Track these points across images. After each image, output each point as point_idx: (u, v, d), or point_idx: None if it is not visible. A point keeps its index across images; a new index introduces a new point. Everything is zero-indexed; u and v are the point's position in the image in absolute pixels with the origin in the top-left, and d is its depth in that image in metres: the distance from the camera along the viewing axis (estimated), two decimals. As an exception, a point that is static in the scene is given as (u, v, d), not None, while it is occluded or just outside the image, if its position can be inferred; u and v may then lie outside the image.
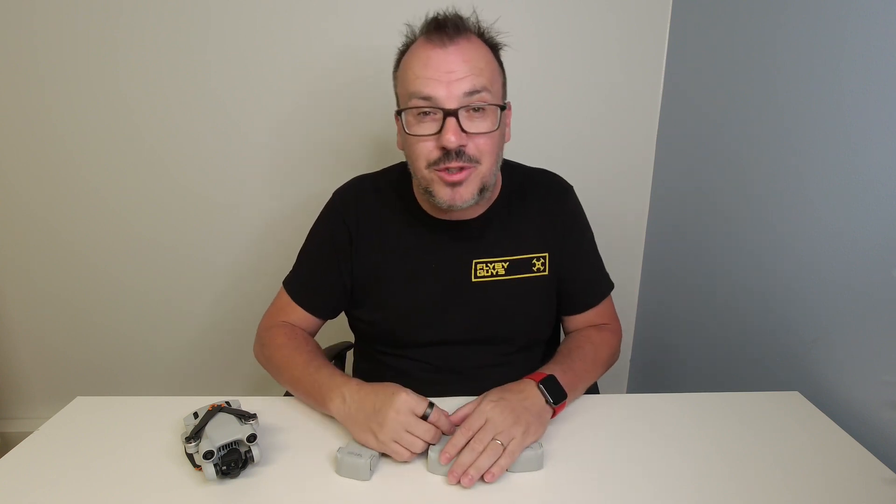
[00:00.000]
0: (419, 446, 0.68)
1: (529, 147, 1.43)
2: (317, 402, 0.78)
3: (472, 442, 0.66)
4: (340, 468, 0.67)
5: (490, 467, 0.65)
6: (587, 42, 1.37)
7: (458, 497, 0.64)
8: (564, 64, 1.38)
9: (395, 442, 0.67)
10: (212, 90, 1.38)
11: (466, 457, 0.65)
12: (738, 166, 1.12)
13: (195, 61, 1.36)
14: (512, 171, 0.94)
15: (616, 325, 0.98)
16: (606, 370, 0.91)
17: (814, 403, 0.83)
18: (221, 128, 1.42)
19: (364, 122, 1.41)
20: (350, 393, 0.73)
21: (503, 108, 0.79)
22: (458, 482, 0.64)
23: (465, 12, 0.80)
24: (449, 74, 0.73)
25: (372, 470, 0.67)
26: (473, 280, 0.87)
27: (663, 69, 1.39)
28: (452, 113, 0.73)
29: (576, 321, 0.96)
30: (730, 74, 1.14)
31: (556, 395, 0.74)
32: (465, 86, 0.73)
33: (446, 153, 0.75)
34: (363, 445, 0.69)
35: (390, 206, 0.89)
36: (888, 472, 0.68)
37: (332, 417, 0.76)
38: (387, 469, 0.68)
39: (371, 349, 0.95)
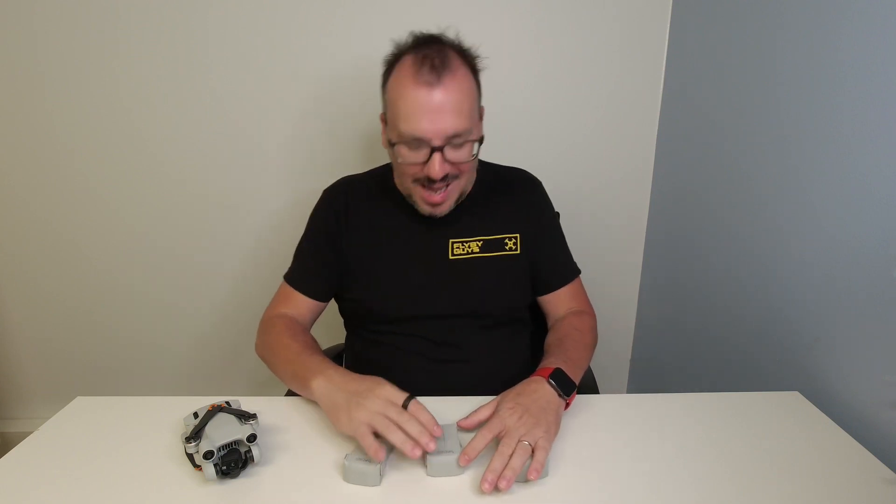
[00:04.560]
0: (395, 432, 0.66)
1: (527, 154, 1.42)
2: (301, 382, 0.80)
3: (500, 447, 0.67)
4: (348, 475, 0.66)
5: (530, 468, 0.65)
6: (587, 44, 1.37)
7: (460, 500, 0.64)
8: (564, 66, 1.38)
9: (368, 425, 0.67)
10: (212, 92, 1.38)
11: (497, 462, 0.65)
12: (737, 167, 1.12)
13: (195, 63, 1.36)
14: (485, 168, 1.01)
15: (591, 309, 1.03)
16: (593, 352, 0.96)
17: (814, 403, 0.83)
18: (221, 129, 1.42)
19: (363, 125, 1.41)
20: (336, 375, 0.76)
21: (481, 141, 0.86)
22: (495, 488, 0.63)
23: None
24: (436, 115, 0.79)
25: (382, 475, 0.66)
26: (451, 258, 0.94)
27: (663, 71, 1.39)
28: (438, 149, 0.81)
29: (553, 303, 1.01)
30: (730, 76, 1.14)
31: (567, 388, 0.77)
32: (450, 127, 0.80)
33: (431, 178, 0.83)
34: (335, 425, 0.71)
35: (375, 197, 0.98)
36: (888, 472, 0.68)
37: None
38: (390, 471, 0.68)
39: (362, 328, 1.00)
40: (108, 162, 1.44)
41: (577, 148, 1.45)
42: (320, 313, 1.01)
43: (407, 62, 0.81)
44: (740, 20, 1.10)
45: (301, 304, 0.97)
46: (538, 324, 1.05)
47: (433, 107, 0.79)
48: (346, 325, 1.06)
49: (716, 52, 1.19)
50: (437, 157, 0.80)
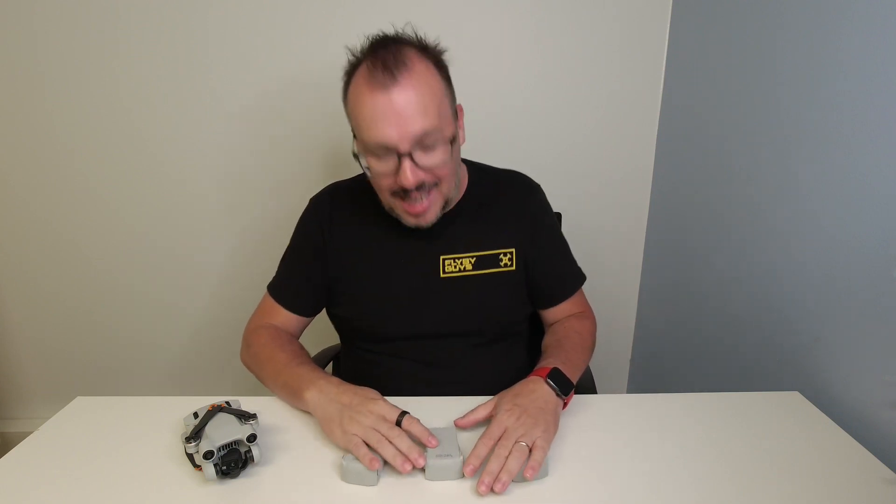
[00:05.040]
0: (386, 447, 0.66)
1: (527, 154, 1.43)
2: (293, 393, 0.79)
3: (497, 448, 0.66)
4: (346, 475, 0.66)
5: (527, 466, 0.65)
6: (587, 44, 1.37)
7: (458, 500, 0.64)
8: (564, 66, 1.38)
9: (360, 438, 0.67)
10: (212, 92, 1.39)
11: (494, 464, 0.65)
12: (737, 167, 1.12)
13: (195, 63, 1.36)
14: (480, 172, 0.96)
15: (591, 313, 1.00)
16: (592, 354, 0.95)
17: (814, 403, 0.83)
18: (221, 129, 1.42)
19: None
20: (328, 386, 0.76)
21: (453, 141, 0.80)
22: (490, 490, 0.63)
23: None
24: (398, 118, 0.73)
25: (379, 476, 0.66)
26: (442, 276, 0.89)
27: (663, 71, 1.39)
28: (407, 155, 0.75)
29: (554, 313, 0.98)
30: (729, 76, 1.14)
31: (565, 387, 0.76)
32: (416, 129, 0.74)
33: (405, 188, 0.77)
34: (329, 437, 0.71)
35: (362, 207, 0.92)
36: (888, 472, 0.68)
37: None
38: (388, 472, 0.68)
39: (353, 345, 0.98)
40: (108, 162, 1.44)
41: (577, 148, 1.45)
42: (307, 326, 0.98)
43: (362, 70, 0.76)
44: (740, 20, 1.10)
45: (285, 317, 0.94)
46: (536, 329, 1.02)
47: (393, 109, 0.73)
48: (340, 338, 1.03)
49: (716, 52, 1.19)
50: (406, 163, 0.75)
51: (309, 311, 0.96)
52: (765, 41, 1.02)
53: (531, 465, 0.64)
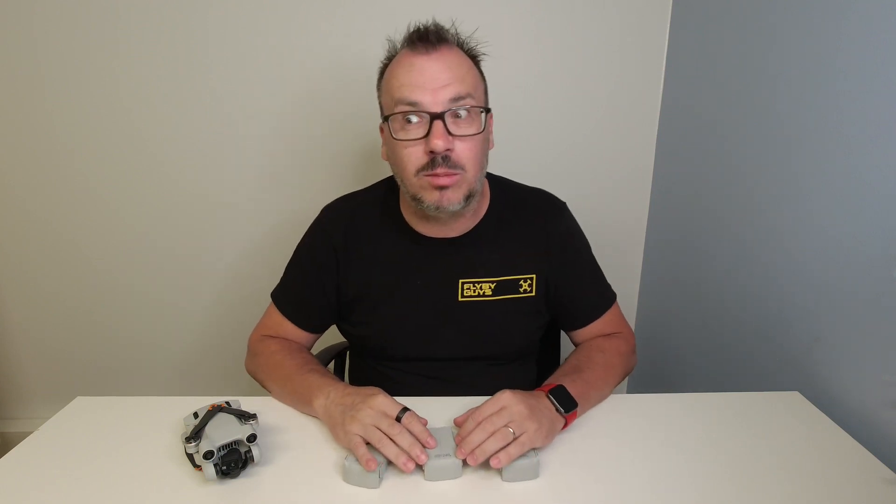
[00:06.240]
0: (388, 446, 0.66)
1: (527, 154, 1.43)
2: (303, 400, 0.79)
3: (484, 422, 0.66)
4: (348, 476, 0.66)
5: (497, 452, 0.64)
6: (587, 44, 1.37)
7: (460, 502, 0.64)
8: (564, 66, 1.38)
9: (360, 437, 0.67)
10: (212, 92, 1.38)
11: (476, 436, 0.65)
12: (737, 167, 1.12)
13: (195, 63, 1.36)
14: (503, 189, 0.93)
15: (626, 332, 0.96)
16: (623, 376, 0.90)
17: (814, 403, 0.83)
18: (221, 129, 1.42)
19: (364, 126, 1.41)
20: (334, 392, 0.75)
21: (487, 110, 0.80)
22: (466, 460, 0.65)
23: (445, 24, 0.81)
24: (434, 81, 0.75)
25: (381, 478, 0.66)
26: (460, 300, 0.88)
27: (663, 71, 1.39)
28: (439, 116, 0.74)
29: (581, 334, 0.95)
30: (730, 76, 1.14)
31: (567, 404, 0.73)
32: (450, 92, 0.75)
33: (432, 159, 0.76)
34: (335, 440, 0.71)
35: (377, 224, 0.90)
36: (888, 472, 0.68)
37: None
38: (390, 473, 0.68)
39: (362, 357, 0.97)
40: (108, 162, 1.44)
41: (577, 148, 1.45)
42: (316, 340, 0.97)
43: (403, 49, 0.79)
44: (740, 20, 1.10)
45: (294, 332, 0.93)
46: (547, 345, 1.02)
47: (432, 70, 0.74)
48: (350, 346, 1.02)
49: (716, 52, 1.19)
50: (437, 125, 0.73)
51: (318, 329, 0.95)
52: (765, 41, 1.02)
53: (498, 456, 0.64)
